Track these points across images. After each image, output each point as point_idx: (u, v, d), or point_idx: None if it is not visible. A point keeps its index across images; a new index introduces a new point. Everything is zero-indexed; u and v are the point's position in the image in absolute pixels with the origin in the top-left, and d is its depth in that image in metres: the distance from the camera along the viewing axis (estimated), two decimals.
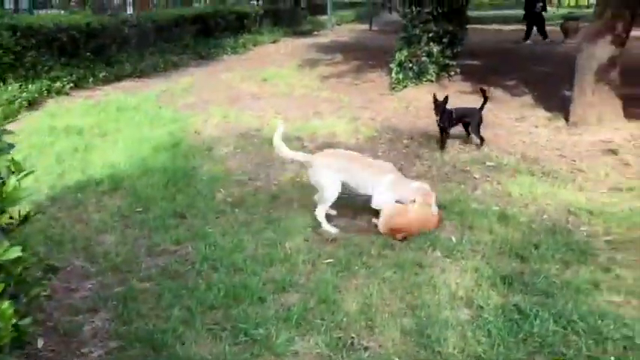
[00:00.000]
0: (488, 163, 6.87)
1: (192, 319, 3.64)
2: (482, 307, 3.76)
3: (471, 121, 7.48)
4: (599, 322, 3.50)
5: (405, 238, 4.73)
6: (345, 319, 3.63)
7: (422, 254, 4.54)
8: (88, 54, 12.18)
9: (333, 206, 5.19)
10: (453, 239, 4.80)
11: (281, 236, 4.84)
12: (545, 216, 5.38)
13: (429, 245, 4.65)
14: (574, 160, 6.96)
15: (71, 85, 11.26)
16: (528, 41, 18.42)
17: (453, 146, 7.51)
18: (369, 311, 3.73)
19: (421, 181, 5.57)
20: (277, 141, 5.31)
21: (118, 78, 12.83)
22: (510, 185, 6.11)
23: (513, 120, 8.92)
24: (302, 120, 8.96)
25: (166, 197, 5.68)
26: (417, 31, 10.85)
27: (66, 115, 9.14)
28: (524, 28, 18.83)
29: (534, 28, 18.38)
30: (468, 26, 12.50)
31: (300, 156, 5.36)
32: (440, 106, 7.07)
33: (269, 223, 5.13)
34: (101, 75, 12.25)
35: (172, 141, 7.60)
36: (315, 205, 5.18)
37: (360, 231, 4.99)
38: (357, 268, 4.30)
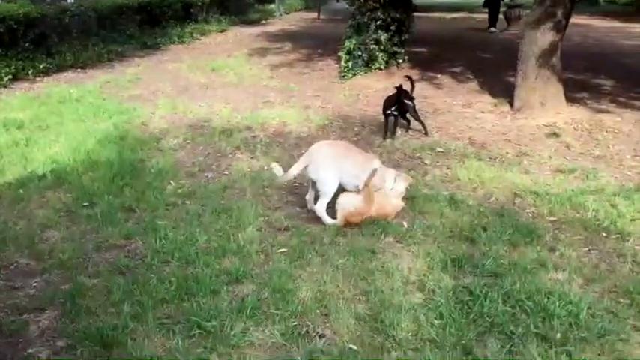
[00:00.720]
0: (437, 149, 6.98)
1: (144, 314, 3.56)
2: (434, 291, 3.82)
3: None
4: (546, 300, 3.62)
5: (357, 225, 4.75)
6: (299, 308, 3.63)
7: (374, 240, 4.58)
8: (28, 44, 11.70)
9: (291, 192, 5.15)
10: (405, 225, 4.85)
11: (233, 227, 4.79)
12: (492, 199, 5.51)
13: (382, 232, 4.69)
14: (519, 144, 7.14)
15: (10, 77, 10.80)
16: (493, 29, 18.29)
17: (404, 134, 7.58)
18: (324, 299, 3.74)
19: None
20: (281, 175, 5.00)
21: (60, 69, 12.41)
22: (459, 170, 6.22)
23: (460, 106, 9.08)
24: (252, 109, 8.89)
25: (114, 191, 5.53)
26: (365, 19, 10.87)
27: (4, 109, 8.78)
28: (481, 15, 18.75)
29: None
30: (416, 14, 12.61)
31: (301, 162, 4.99)
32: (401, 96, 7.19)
33: (221, 214, 5.07)
34: (42, 66, 11.82)
35: (118, 134, 7.41)
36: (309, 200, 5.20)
37: (312, 219, 4.97)
38: (310, 256, 4.30)
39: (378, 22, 10.79)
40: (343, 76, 11.16)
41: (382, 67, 11.20)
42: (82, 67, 12.84)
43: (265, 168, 6.05)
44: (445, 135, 7.58)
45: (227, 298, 3.76)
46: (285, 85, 10.89)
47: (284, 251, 4.39)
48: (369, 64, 11.13)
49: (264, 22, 24.65)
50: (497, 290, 3.75)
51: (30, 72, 11.46)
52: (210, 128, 7.86)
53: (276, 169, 4.99)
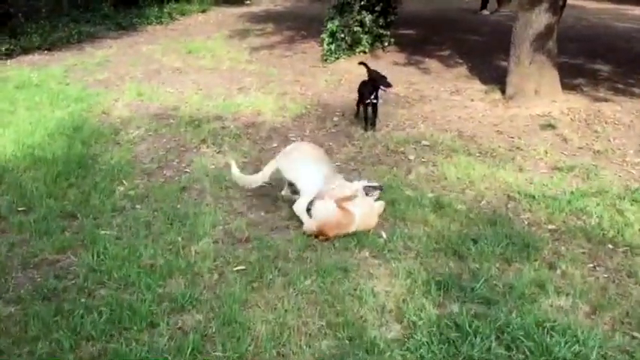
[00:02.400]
0: (423, 142, 6.36)
1: (62, 356, 2.92)
2: (414, 323, 3.22)
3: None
4: (548, 338, 3.02)
5: (327, 239, 4.13)
6: (252, 348, 3.02)
7: (348, 255, 3.98)
8: None
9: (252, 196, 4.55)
10: (384, 235, 4.25)
11: (186, 238, 4.17)
12: (483, 202, 4.92)
13: (356, 244, 4.09)
14: (512, 137, 6.53)
15: None
16: (485, 11, 17.47)
17: (386, 124, 6.94)
18: (282, 334, 3.13)
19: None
20: (238, 176, 4.65)
21: (25, 51, 11.57)
22: (446, 167, 5.61)
23: (449, 93, 8.42)
24: (225, 96, 8.19)
25: (55, 193, 4.88)
26: None
27: None
28: None
29: None
30: None
31: (267, 169, 4.63)
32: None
33: (174, 221, 4.45)
34: (4, 48, 11.01)
35: (74, 124, 6.72)
36: (289, 201, 4.66)
37: (276, 228, 4.35)
38: (271, 277, 3.69)
39: (362, 2, 10.08)
40: (325, 60, 10.45)
41: (367, 50, 10.51)
42: (49, 49, 11.99)
43: (224, 165, 5.41)
44: (432, 126, 6.95)
45: (166, 333, 3.15)
46: (264, 69, 10.16)
47: (241, 269, 3.78)
48: (352, 47, 10.44)
49: (248, 2, 23.73)
50: (490, 323, 3.16)
51: None
52: (177, 118, 7.18)
53: (234, 168, 4.42)
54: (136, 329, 3.14)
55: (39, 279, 3.72)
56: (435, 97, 8.29)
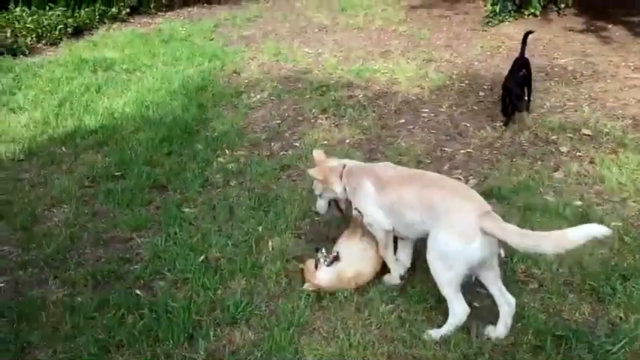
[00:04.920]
0: (583, 131, 5.16)
1: None
2: None
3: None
4: None
5: None
6: None
7: None
8: None
9: None
10: (502, 254, 3.34)
11: (265, 230, 3.66)
12: None
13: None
14: None
15: (127, 10, 10.30)
16: None
17: (542, 104, 5.79)
18: None
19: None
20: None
21: (186, 3, 11.76)
22: (607, 166, 4.47)
23: (631, 69, 6.90)
24: (364, 61, 7.50)
25: (153, 160, 4.64)
26: None
27: (106, 47, 8.29)
28: None
29: None
30: None
31: None
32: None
33: (260, 206, 3.96)
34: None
35: (200, 83, 6.50)
36: None
37: None
38: (345, 295, 3.01)
39: None
40: (487, 23, 9.24)
41: (537, 12, 9.08)
42: (208, 2, 12.10)
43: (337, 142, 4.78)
44: (600, 110, 5.65)
45: (204, 352, 2.65)
46: (415, 31, 9.24)
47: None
48: (521, 8, 9.09)
49: None
50: None
51: (151, 5, 10.89)
52: (307, 82, 6.65)
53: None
54: (171, 343, 2.68)
55: (103, 259, 3.45)
56: (612, 73, 6.84)
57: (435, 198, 2.82)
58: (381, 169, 3.19)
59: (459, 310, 2.75)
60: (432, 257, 2.75)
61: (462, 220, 2.69)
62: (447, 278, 2.73)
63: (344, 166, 3.26)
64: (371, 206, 3.07)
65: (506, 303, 2.79)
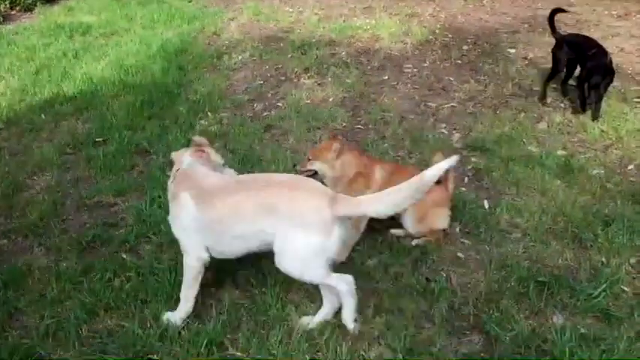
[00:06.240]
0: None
1: (68, 329, 2.58)
2: (495, 337, 2.44)
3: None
4: None
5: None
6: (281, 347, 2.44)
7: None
8: None
9: None
10: (486, 205, 3.41)
11: None
12: (631, 167, 3.88)
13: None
14: None
15: None
16: None
17: (524, 55, 5.76)
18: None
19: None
20: None
21: None
22: (587, 117, 4.47)
23: (614, 17, 6.91)
24: (346, 18, 7.39)
25: (135, 125, 4.59)
26: None
27: (81, 11, 8.13)
28: None
29: None
30: None
31: None
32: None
33: (243, 166, 3.91)
34: None
35: (179, 46, 6.39)
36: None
37: None
38: None
39: None
40: None
41: None
42: None
43: (320, 100, 4.73)
44: None
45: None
46: None
47: None
48: None
49: None
50: (601, 354, 2.30)
51: None
52: (288, 41, 6.55)
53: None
54: (158, 304, 2.69)
55: (87, 225, 3.43)
56: (595, 22, 6.83)
57: (275, 199, 2.43)
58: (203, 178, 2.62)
59: (341, 286, 2.47)
60: (289, 261, 2.43)
61: (315, 214, 2.37)
62: (317, 274, 2.43)
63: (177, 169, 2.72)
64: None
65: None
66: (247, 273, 2.89)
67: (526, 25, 6.61)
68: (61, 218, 3.49)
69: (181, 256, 2.62)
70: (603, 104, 4.48)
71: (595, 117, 4.38)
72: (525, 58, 5.71)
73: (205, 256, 2.56)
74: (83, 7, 8.35)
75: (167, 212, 2.85)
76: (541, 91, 4.82)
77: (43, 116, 4.87)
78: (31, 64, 6.04)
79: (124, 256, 3.11)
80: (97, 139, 4.42)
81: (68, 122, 4.75)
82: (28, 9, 8.43)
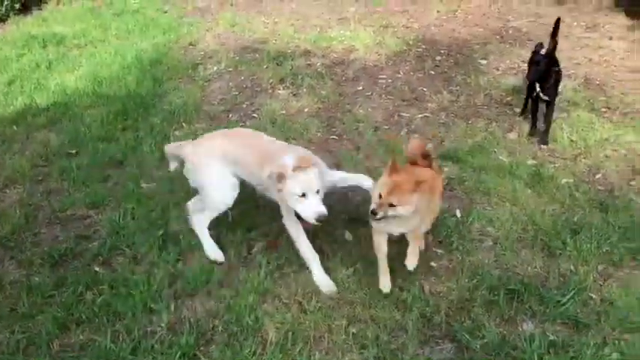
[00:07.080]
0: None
1: (39, 343, 2.56)
2: (467, 346, 2.47)
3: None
4: None
5: None
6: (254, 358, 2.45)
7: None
8: None
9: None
10: (458, 214, 3.45)
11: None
12: (599, 176, 3.93)
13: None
14: None
15: None
16: None
17: (496, 67, 5.86)
18: (295, 344, 2.52)
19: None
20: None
21: None
22: (559, 125, 4.57)
23: (583, 28, 7.03)
24: (321, 28, 7.43)
25: (109, 136, 4.57)
26: None
27: (55, 22, 8.04)
28: None
29: None
30: None
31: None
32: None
33: None
34: None
35: (154, 56, 6.37)
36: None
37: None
38: (296, 266, 3.04)
39: None
40: None
41: None
42: None
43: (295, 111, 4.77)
44: None
45: (164, 324, 2.66)
46: None
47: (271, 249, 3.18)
48: None
49: None
50: None
51: None
52: (264, 52, 6.57)
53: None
54: (131, 317, 2.68)
55: (60, 238, 3.41)
56: (565, 33, 6.92)
57: None
58: None
59: None
60: None
61: None
62: None
63: None
64: None
65: None
66: (222, 280, 2.89)
67: (497, 37, 6.71)
68: (33, 232, 3.46)
69: (156, 267, 2.62)
70: (573, 114, 4.58)
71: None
72: (497, 69, 5.80)
73: None
74: (57, 18, 8.27)
75: (141, 224, 2.85)
76: (524, 103, 4.88)
77: (15, 128, 4.83)
78: (3, 75, 5.98)
79: (97, 269, 3.10)
80: (70, 151, 4.40)
81: (41, 134, 4.71)
82: (1, 20, 8.32)
